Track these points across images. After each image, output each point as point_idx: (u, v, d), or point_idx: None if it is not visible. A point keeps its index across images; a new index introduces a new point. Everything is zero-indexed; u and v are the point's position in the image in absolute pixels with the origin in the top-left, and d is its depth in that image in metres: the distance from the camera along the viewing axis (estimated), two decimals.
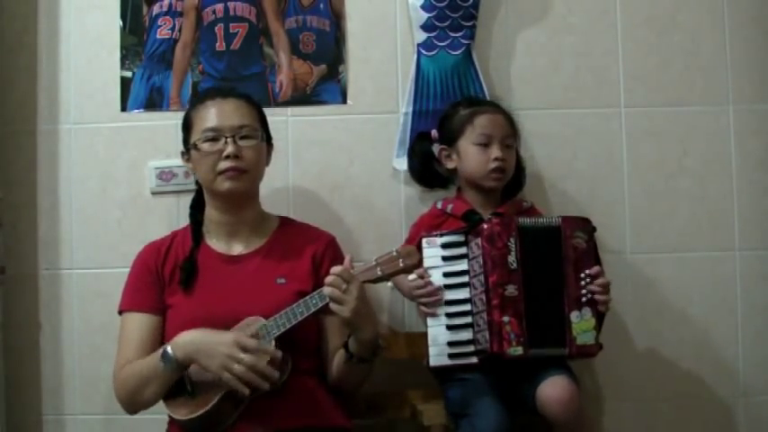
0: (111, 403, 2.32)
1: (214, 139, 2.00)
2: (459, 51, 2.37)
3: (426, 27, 2.38)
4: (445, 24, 2.37)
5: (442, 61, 2.38)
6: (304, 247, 2.07)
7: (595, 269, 1.98)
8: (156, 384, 1.89)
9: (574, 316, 1.96)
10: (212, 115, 2.02)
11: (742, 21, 2.47)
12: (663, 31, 2.46)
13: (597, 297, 1.97)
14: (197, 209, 2.12)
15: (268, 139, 2.11)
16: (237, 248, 2.07)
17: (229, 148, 1.98)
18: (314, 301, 1.86)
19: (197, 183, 2.13)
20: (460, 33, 2.37)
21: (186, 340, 1.86)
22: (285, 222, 2.16)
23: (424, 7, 2.37)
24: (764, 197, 2.45)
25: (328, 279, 1.84)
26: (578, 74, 2.45)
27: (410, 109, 2.38)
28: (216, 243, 2.08)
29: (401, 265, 1.87)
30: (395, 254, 1.88)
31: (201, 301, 1.97)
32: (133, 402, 1.95)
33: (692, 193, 2.45)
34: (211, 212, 2.09)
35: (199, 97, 2.16)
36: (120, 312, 2.05)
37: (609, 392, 2.41)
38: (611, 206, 2.43)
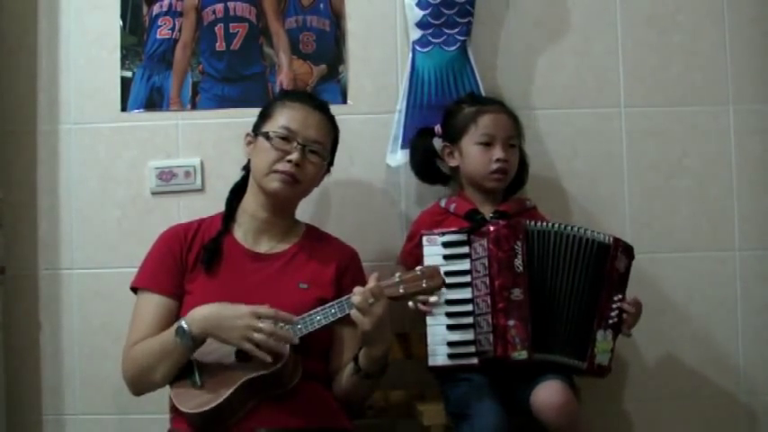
0: (111, 403, 2.34)
1: (286, 139, 2.01)
2: (455, 48, 2.36)
3: (421, 24, 2.37)
4: (440, 21, 2.36)
5: (438, 58, 2.37)
6: (329, 257, 2.07)
7: (632, 299, 2.02)
8: (169, 363, 1.88)
9: (599, 335, 1.98)
10: (296, 117, 2.03)
11: (742, 21, 2.47)
12: (663, 31, 2.46)
13: (626, 320, 2.01)
14: (236, 195, 2.12)
15: (329, 163, 2.12)
16: (263, 247, 2.07)
17: (295, 155, 1.99)
18: (333, 311, 1.86)
19: (245, 169, 2.12)
20: (456, 30, 2.36)
21: (202, 315, 1.86)
22: (311, 230, 2.16)
23: (419, 5, 2.36)
24: (764, 197, 2.45)
25: (360, 289, 1.84)
26: (578, 74, 2.45)
27: (404, 105, 2.37)
28: (242, 237, 2.07)
29: (424, 285, 1.86)
30: (418, 273, 1.87)
31: (222, 292, 1.95)
32: (141, 382, 1.94)
33: (691, 193, 2.45)
34: (249, 204, 2.08)
35: (290, 94, 2.18)
36: (135, 289, 2.04)
37: (610, 392, 2.40)
38: (611, 206, 2.43)
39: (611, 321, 2.00)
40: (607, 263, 2.01)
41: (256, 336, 1.79)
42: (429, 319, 2.00)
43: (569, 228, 2.03)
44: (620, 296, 2.02)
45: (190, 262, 2.03)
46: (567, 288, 2.00)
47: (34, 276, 2.41)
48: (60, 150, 2.42)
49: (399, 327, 2.34)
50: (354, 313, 1.83)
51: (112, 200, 2.42)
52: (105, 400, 2.36)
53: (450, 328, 2.00)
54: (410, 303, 1.95)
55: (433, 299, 1.96)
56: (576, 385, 2.00)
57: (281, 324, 1.82)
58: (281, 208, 2.07)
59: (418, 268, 1.89)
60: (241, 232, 2.08)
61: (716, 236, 2.45)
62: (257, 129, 2.07)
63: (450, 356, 1.99)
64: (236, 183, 2.14)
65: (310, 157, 2.02)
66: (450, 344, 1.99)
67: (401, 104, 2.37)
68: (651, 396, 2.42)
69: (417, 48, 2.37)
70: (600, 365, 1.99)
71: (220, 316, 1.84)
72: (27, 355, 2.39)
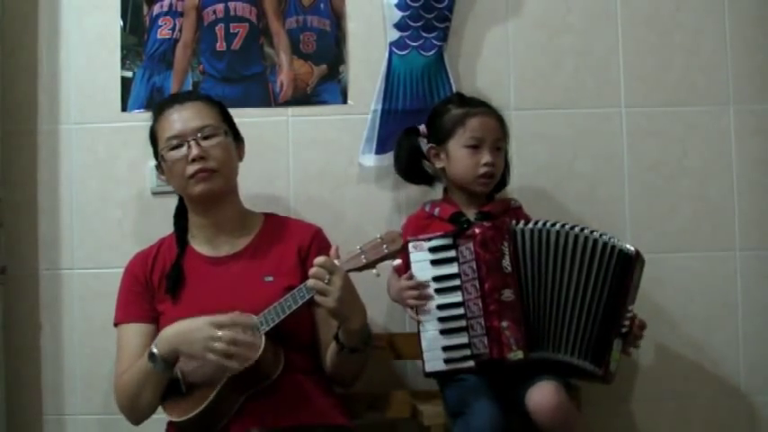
0: (111, 403, 2.32)
1: (178, 146, 2.00)
2: (431, 53, 2.36)
3: (399, 26, 2.37)
4: (418, 24, 2.36)
5: (414, 62, 2.37)
6: (289, 242, 2.07)
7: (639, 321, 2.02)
8: (151, 386, 1.90)
9: (615, 343, 1.97)
10: (172, 123, 2.02)
11: (743, 21, 2.46)
12: (663, 30, 2.46)
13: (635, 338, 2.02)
14: (181, 215, 2.12)
15: (236, 136, 2.10)
16: (223, 250, 2.07)
17: (194, 151, 1.97)
18: (301, 294, 1.86)
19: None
20: (433, 35, 2.36)
21: (167, 335, 1.88)
22: (270, 219, 2.15)
23: (398, 6, 2.36)
24: (765, 197, 2.45)
25: (311, 271, 1.83)
26: (579, 74, 2.45)
27: (379, 107, 2.37)
28: (201, 246, 2.08)
29: (385, 250, 1.85)
30: (379, 240, 1.87)
31: (190, 306, 1.96)
32: (134, 408, 1.96)
33: (692, 193, 2.45)
34: (193, 217, 2.09)
35: (158, 108, 2.11)
36: (116, 325, 2.07)
37: (609, 393, 2.39)
38: (612, 206, 2.43)
39: (623, 330, 1.98)
40: (629, 273, 1.98)
41: (216, 345, 1.79)
42: (421, 326, 1.99)
43: (577, 228, 2.00)
44: (632, 307, 2.00)
45: (155, 284, 2.05)
46: (574, 288, 1.97)
47: (35, 276, 2.41)
48: (61, 150, 2.43)
49: (400, 327, 2.35)
50: (316, 295, 1.83)
51: (113, 200, 2.42)
52: (106, 401, 2.35)
53: (444, 332, 1.98)
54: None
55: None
56: (573, 386, 2.00)
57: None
58: (220, 204, 2.06)
59: (378, 235, 1.88)
60: (198, 242, 2.09)
61: (716, 236, 2.44)
62: (156, 155, 2.07)
63: (446, 361, 1.98)
64: (177, 206, 2.15)
65: (208, 143, 2.00)
66: (445, 348, 1.98)
67: (376, 106, 2.37)
68: (651, 396, 2.42)
69: (394, 50, 2.38)
70: (610, 372, 1.98)
71: (181, 333, 1.86)
72: (27, 355, 2.40)
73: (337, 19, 2.45)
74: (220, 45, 2.43)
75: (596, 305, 1.97)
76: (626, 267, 1.98)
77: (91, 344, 2.39)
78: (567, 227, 2.00)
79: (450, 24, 2.37)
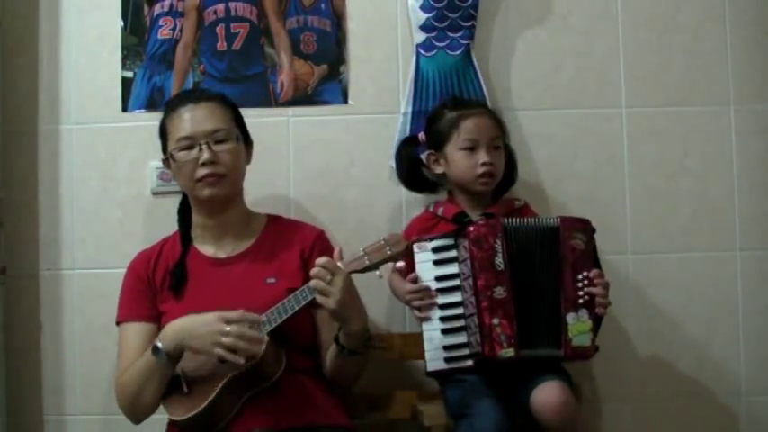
0: (111, 403, 2.33)
1: (189, 147, 1.99)
2: (459, 52, 2.37)
3: (425, 28, 2.38)
4: (444, 25, 2.37)
5: (442, 62, 2.38)
6: (292, 244, 2.07)
7: (594, 272, 1.97)
8: (154, 382, 1.90)
9: (570, 317, 1.95)
10: (185, 123, 2.00)
11: (743, 21, 2.47)
12: (664, 31, 2.46)
13: (597, 300, 1.96)
14: (184, 212, 2.12)
15: (246, 138, 2.10)
16: (225, 251, 2.07)
17: (205, 155, 1.97)
18: (303, 295, 1.86)
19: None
20: (459, 34, 2.37)
21: (173, 329, 1.88)
22: (272, 221, 2.15)
23: (423, 8, 2.37)
24: (765, 197, 2.45)
25: (313, 271, 1.84)
26: (579, 74, 2.45)
27: (409, 109, 2.38)
28: (204, 247, 2.08)
29: (389, 252, 1.86)
30: (382, 242, 1.87)
31: (192, 306, 1.95)
32: (135, 406, 1.95)
33: (692, 194, 2.45)
34: (197, 217, 2.09)
35: (171, 104, 2.09)
36: (118, 323, 2.06)
37: (609, 393, 2.41)
38: (612, 206, 2.43)
39: (581, 301, 1.96)
40: (560, 244, 1.99)
41: (224, 340, 1.80)
42: (424, 325, 2.00)
43: (540, 220, 2.03)
44: (585, 274, 1.98)
45: (158, 284, 2.05)
46: (541, 280, 1.98)
47: (35, 276, 2.41)
48: (61, 150, 2.43)
49: (400, 327, 2.35)
50: (317, 296, 1.83)
51: (113, 200, 2.42)
52: (106, 401, 2.35)
53: (445, 331, 1.99)
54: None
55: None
56: (576, 385, 2.00)
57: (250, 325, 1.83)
58: (226, 207, 2.06)
59: (381, 237, 1.88)
60: (202, 243, 2.09)
61: (717, 236, 2.44)
62: (165, 151, 2.06)
63: (447, 360, 1.99)
64: (180, 202, 2.14)
65: (219, 147, 1.99)
66: (446, 348, 1.99)
67: (406, 108, 2.38)
68: (651, 397, 2.41)
69: (421, 51, 2.38)
70: (579, 347, 1.95)
71: (189, 327, 1.86)
72: (28, 355, 2.39)
73: (338, 19, 2.45)
74: (221, 45, 2.43)
75: (546, 288, 1.97)
76: (555, 240, 1.99)
77: (91, 344, 2.39)
78: (535, 220, 2.03)
79: (475, 23, 2.37)
